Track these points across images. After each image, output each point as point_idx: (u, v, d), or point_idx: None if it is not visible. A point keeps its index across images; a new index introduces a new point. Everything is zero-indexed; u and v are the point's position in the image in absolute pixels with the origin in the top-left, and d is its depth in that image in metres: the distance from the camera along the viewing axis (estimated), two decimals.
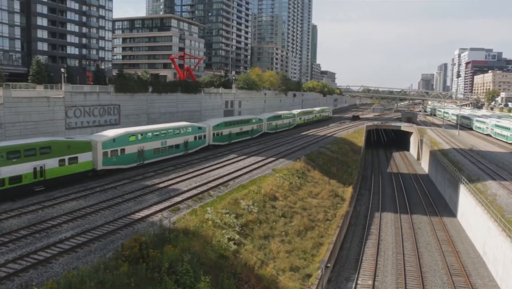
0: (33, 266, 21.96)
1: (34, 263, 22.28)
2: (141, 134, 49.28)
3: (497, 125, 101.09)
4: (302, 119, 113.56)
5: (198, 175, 45.68)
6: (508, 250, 34.56)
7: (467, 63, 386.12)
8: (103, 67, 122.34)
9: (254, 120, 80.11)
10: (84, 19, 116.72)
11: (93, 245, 25.28)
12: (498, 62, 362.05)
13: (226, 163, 53.72)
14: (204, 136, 61.34)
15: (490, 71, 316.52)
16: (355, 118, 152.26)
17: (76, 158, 39.86)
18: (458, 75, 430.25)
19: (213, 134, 64.45)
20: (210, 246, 27.20)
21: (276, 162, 56.56)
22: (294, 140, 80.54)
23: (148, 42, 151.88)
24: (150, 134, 50.54)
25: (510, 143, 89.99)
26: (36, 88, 60.30)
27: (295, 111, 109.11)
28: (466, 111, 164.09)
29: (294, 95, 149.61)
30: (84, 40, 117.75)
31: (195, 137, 58.77)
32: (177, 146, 54.83)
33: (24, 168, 34.83)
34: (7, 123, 48.14)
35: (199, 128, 60.45)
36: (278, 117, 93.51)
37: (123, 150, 45.82)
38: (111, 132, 46.89)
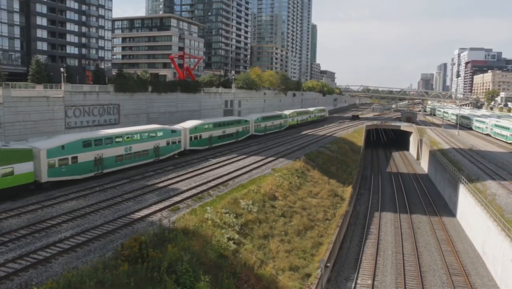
0: (32, 266, 21.95)
1: (34, 262, 22.27)
2: (99, 140, 43.22)
3: (496, 125, 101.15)
4: (295, 120, 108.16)
5: (198, 175, 45.68)
6: (507, 249, 34.59)
7: (466, 63, 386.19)
8: (102, 66, 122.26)
9: (239, 122, 74.57)
10: (83, 18, 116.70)
11: (93, 244, 25.28)
12: (497, 62, 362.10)
13: (226, 162, 53.71)
14: (179, 140, 55.52)
15: (489, 71, 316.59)
16: (355, 118, 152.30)
17: (11, 169, 34.04)
18: (458, 75, 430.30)
19: (190, 138, 58.80)
20: (210, 245, 27.20)
21: (276, 161, 56.57)
22: (294, 140, 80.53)
23: (147, 42, 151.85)
24: (110, 139, 44.57)
25: (509, 143, 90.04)
26: (36, 88, 60.29)
27: (287, 112, 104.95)
28: (466, 111, 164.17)
29: (294, 95, 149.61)
30: (83, 40, 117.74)
31: (167, 142, 52.91)
32: (145, 152, 49.20)
33: None
34: (7, 123, 48.13)
35: (173, 131, 54.69)
36: (267, 118, 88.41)
37: (75, 158, 39.90)
38: (61, 139, 40.88)
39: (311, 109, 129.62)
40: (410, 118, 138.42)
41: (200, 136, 61.40)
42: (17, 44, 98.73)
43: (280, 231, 35.22)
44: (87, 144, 41.66)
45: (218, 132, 66.27)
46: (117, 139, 45.53)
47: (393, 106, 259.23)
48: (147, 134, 50.01)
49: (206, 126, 63.21)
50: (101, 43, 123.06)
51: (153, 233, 26.80)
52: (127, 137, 47.02)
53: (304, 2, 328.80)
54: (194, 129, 60.17)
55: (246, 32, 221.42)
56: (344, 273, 37.03)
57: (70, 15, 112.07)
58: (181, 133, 56.30)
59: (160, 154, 51.83)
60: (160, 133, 52.20)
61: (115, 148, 44.94)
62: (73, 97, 57.23)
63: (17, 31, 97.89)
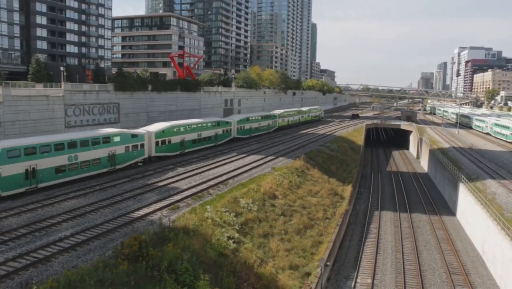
0: (33, 265, 21.97)
1: (34, 261, 22.29)
2: (31, 148, 35.85)
3: (496, 124, 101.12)
4: (285, 121, 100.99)
5: (198, 174, 45.67)
6: (507, 248, 34.62)
7: (466, 62, 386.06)
8: (102, 65, 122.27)
9: (218, 124, 66.83)
10: (83, 17, 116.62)
11: (93, 243, 25.30)
12: (497, 61, 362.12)
13: (226, 161, 53.71)
14: (142, 145, 48.56)
15: (489, 70, 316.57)
16: (355, 117, 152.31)
17: None
18: (458, 74, 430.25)
19: (157, 143, 51.76)
20: (210, 244, 27.22)
21: (276, 160, 56.58)
22: (294, 139, 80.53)
23: (147, 41, 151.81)
24: (48, 147, 37.29)
25: (509, 142, 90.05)
26: (36, 87, 60.31)
27: (277, 112, 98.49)
28: (466, 110, 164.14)
29: (294, 94, 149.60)
30: (83, 39, 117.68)
31: (126, 149, 46.00)
32: (96, 161, 42.08)
33: None
34: (7, 122, 48.14)
35: (134, 136, 47.51)
36: (253, 119, 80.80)
37: None
38: None
39: (304, 109, 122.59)
40: (410, 117, 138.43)
41: (169, 141, 53.83)
42: (17, 43, 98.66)
43: (280, 230, 35.25)
44: (14, 154, 34.34)
45: (192, 136, 58.83)
46: (58, 147, 38.10)
47: (395, 104, 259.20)
48: (97, 140, 42.63)
49: (177, 129, 55.81)
50: (101, 42, 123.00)
51: (153, 231, 26.82)
52: (71, 144, 39.59)
53: (304, 1, 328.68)
54: (161, 133, 52.67)
55: (246, 31, 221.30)
56: (344, 272, 37.07)
57: (70, 14, 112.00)
58: (145, 138, 48.95)
59: (117, 162, 44.62)
60: (116, 139, 44.76)
61: (55, 158, 37.60)
62: (73, 96, 57.23)
63: (17, 30, 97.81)
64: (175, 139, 55.12)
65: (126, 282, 20.63)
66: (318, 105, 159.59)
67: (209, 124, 64.06)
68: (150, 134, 50.87)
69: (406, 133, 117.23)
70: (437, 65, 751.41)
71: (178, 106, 79.33)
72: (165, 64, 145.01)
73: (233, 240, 29.24)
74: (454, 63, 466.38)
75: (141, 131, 49.86)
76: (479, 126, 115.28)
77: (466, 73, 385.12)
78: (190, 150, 58.52)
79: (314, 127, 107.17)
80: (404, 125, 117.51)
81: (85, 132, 46.34)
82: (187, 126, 58.45)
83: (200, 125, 61.48)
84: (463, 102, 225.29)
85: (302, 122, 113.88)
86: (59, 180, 38.14)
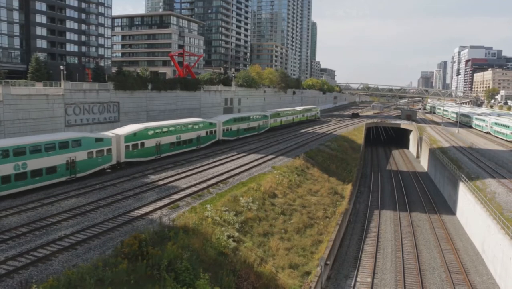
0: (33, 263, 21.99)
1: (34, 260, 22.30)
2: None
3: (496, 123, 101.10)
4: (277, 121, 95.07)
5: (197, 173, 45.68)
6: (507, 247, 34.64)
7: (466, 61, 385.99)
8: (102, 64, 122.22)
9: (201, 125, 61.80)
10: (83, 16, 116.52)
11: (93, 242, 25.32)
12: (498, 60, 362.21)
13: (226, 160, 53.71)
14: (109, 150, 43.85)
15: (489, 69, 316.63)
16: (355, 116, 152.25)
17: None
18: (458, 73, 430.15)
19: (127, 147, 46.99)
20: (210, 243, 27.23)
21: (276, 159, 56.59)
22: (293, 138, 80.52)
23: (147, 40, 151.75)
24: None
25: (509, 141, 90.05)
26: (36, 86, 60.23)
27: (269, 112, 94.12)
28: (466, 109, 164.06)
29: (294, 92, 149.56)
30: (83, 38, 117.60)
31: (89, 154, 41.25)
32: (51, 170, 37.29)
33: None
34: (7, 121, 48.11)
35: (98, 140, 42.62)
36: (241, 119, 75.92)
37: None
38: None
39: (299, 108, 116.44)
40: (410, 116, 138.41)
41: (142, 145, 49.16)
42: (17, 42, 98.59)
43: (280, 228, 35.27)
44: None
45: (169, 138, 54.09)
46: (4, 153, 33.65)
47: (399, 102, 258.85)
48: (54, 145, 37.94)
49: (151, 131, 51.00)
50: (100, 41, 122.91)
51: (153, 230, 26.84)
52: (18, 151, 34.74)
53: (304, 0, 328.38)
54: (132, 136, 47.89)
55: (246, 30, 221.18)
56: (343, 271, 37.09)
57: (69, 12, 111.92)
58: (112, 142, 44.24)
59: (78, 170, 40.00)
60: (76, 143, 39.98)
61: (3, 165, 33.34)
62: (72, 95, 57.19)
63: (16, 29, 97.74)
64: (150, 142, 50.25)
65: (126, 281, 20.65)
66: (318, 104, 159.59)
67: (190, 125, 59.06)
68: (118, 138, 45.91)
69: (406, 132, 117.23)
70: (437, 64, 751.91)
71: (178, 105, 79.30)
72: (165, 63, 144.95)
73: (233, 239, 29.26)
74: (454, 62, 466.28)
75: (107, 135, 45.15)
76: (479, 126, 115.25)
77: (466, 72, 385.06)
78: (168, 154, 53.72)
79: (310, 127, 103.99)
80: (404, 124, 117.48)
81: (37, 136, 40.69)
82: (164, 128, 53.43)
83: (179, 127, 56.54)
84: (463, 101, 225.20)
85: (296, 122, 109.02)
86: (5, 192, 33.46)
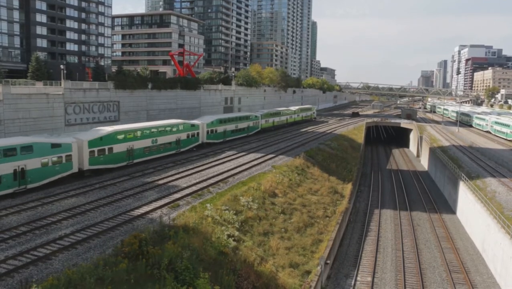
0: (33, 263, 21.98)
1: (34, 259, 22.30)
2: None
3: (496, 122, 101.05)
4: (269, 122, 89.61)
5: (198, 172, 45.68)
6: (507, 247, 34.63)
7: (467, 60, 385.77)
8: (102, 63, 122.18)
9: (182, 127, 56.79)
10: (83, 15, 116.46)
11: (93, 241, 25.32)
12: (498, 59, 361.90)
13: (226, 159, 53.70)
14: (69, 157, 39.07)
15: (490, 68, 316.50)
16: (355, 115, 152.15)
17: None
18: (458, 72, 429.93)
19: (92, 153, 41.94)
20: (210, 242, 27.23)
21: (276, 158, 56.57)
22: (294, 137, 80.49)
23: (147, 39, 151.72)
24: None
25: (509, 140, 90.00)
26: (36, 85, 60.24)
27: (261, 112, 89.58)
28: (466, 108, 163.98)
29: (294, 92, 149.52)
30: (83, 37, 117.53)
31: (44, 162, 36.75)
32: None
33: None
34: (7, 120, 48.13)
35: (56, 146, 37.95)
36: (228, 120, 70.60)
37: None
38: None
39: (293, 108, 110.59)
40: (410, 115, 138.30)
41: (110, 150, 44.34)
42: (17, 41, 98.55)
43: (280, 228, 35.27)
44: None
45: (143, 142, 49.34)
46: None
47: (398, 102, 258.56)
48: None
49: (122, 135, 46.24)
50: (100, 40, 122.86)
51: (153, 230, 26.83)
52: None
53: None
54: (98, 140, 43.07)
55: (246, 29, 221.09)
56: (344, 270, 37.09)
57: (69, 12, 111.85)
58: (72, 147, 39.54)
59: (29, 180, 35.56)
60: (27, 150, 35.43)
61: None
62: (73, 94, 57.19)
63: (16, 28, 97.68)
64: (119, 147, 45.46)
65: (126, 280, 20.65)
66: (318, 104, 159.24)
67: (168, 128, 54.16)
68: (81, 143, 41.01)
69: (406, 131, 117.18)
70: (437, 63, 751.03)
71: (178, 105, 79.31)
72: (165, 62, 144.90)
73: (233, 238, 29.26)
74: (454, 61, 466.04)
75: (67, 140, 40.32)
76: (479, 125, 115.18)
77: (466, 71, 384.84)
78: (142, 160, 49.19)
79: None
80: (404, 123, 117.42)
81: None
82: (137, 132, 48.71)
83: (155, 129, 51.70)
84: (463, 100, 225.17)
85: (290, 123, 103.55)
86: None
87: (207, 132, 63.46)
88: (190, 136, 58.53)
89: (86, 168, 41.66)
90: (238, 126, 74.06)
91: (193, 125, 59.81)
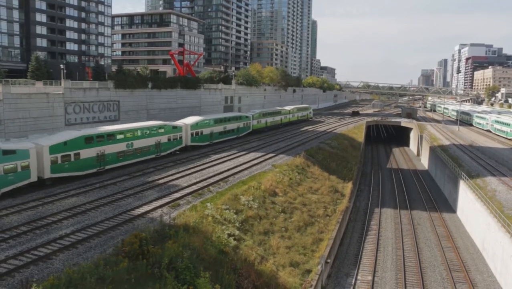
0: (33, 262, 22.00)
1: (35, 259, 22.32)
2: None
3: (497, 121, 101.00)
4: (262, 122, 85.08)
5: (198, 171, 45.69)
6: (507, 245, 34.65)
7: (467, 59, 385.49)
8: (102, 63, 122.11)
9: (161, 130, 52.69)
10: (83, 15, 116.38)
11: (93, 241, 25.34)
12: (498, 58, 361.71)
13: (226, 158, 53.71)
14: (25, 165, 35.27)
15: (490, 67, 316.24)
16: (355, 114, 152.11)
17: None
18: (458, 71, 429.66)
19: (54, 160, 38.10)
20: (210, 241, 27.24)
21: (276, 157, 56.58)
22: (294, 136, 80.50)
23: (147, 38, 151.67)
24: None
25: (510, 139, 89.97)
26: (36, 85, 60.25)
27: (252, 112, 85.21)
28: (466, 107, 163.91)
29: (294, 91, 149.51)
30: (83, 36, 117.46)
31: None
32: None
33: None
34: (7, 120, 48.15)
35: (8, 153, 34.12)
36: (216, 122, 66.04)
37: None
38: None
39: (288, 108, 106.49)
40: (410, 114, 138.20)
41: (77, 156, 40.36)
42: (17, 40, 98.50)
43: (280, 227, 35.28)
44: None
45: (117, 147, 45.31)
46: None
47: (400, 100, 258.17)
48: None
49: (89, 139, 42.20)
50: (100, 39, 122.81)
51: (154, 229, 26.84)
52: None
53: None
54: (62, 146, 39.25)
55: (246, 28, 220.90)
56: (344, 269, 37.11)
57: (69, 11, 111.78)
58: (30, 154, 35.83)
59: None
60: None
61: None
62: (73, 94, 57.20)
63: (16, 27, 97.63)
64: (88, 152, 41.54)
65: (127, 279, 20.67)
66: (318, 103, 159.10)
67: (147, 130, 50.18)
68: (40, 149, 37.34)
69: (407, 130, 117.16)
70: (438, 62, 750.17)
71: (179, 104, 79.32)
72: (165, 62, 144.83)
73: (233, 237, 29.27)
74: (454, 60, 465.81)
75: (23, 146, 36.15)
76: (479, 124, 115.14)
77: (466, 70, 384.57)
78: (115, 166, 44.99)
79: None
80: (405, 122, 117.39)
81: None
82: (109, 135, 44.59)
83: (131, 132, 47.80)
84: (463, 99, 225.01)
85: (285, 123, 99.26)
86: None
87: (192, 134, 59.41)
88: (172, 140, 54.52)
89: (48, 176, 37.82)
90: (227, 128, 69.66)
91: (175, 127, 55.69)
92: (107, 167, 43.79)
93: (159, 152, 52.08)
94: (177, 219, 29.64)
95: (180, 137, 56.42)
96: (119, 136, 45.90)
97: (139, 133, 48.89)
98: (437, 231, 48.05)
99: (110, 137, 44.58)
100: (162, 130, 52.94)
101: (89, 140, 42.19)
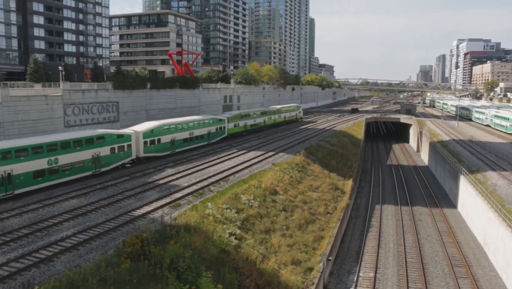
0: (35, 265, 22.00)
1: (36, 261, 22.32)
2: None
3: (496, 116, 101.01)
4: (240, 126, 75.94)
5: (198, 171, 45.68)
6: (509, 240, 34.66)
7: (465, 54, 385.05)
8: (100, 64, 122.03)
9: (101, 141, 42.81)
10: (80, 16, 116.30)
11: (95, 242, 25.33)
12: (496, 52, 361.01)
13: (226, 158, 53.69)
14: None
15: (488, 61, 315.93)
16: (354, 111, 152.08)
17: None
18: (457, 66, 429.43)
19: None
20: (211, 241, 27.23)
21: (276, 156, 56.57)
22: (294, 134, 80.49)
23: (145, 39, 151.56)
24: None
25: (509, 134, 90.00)
26: (34, 87, 60.18)
27: (228, 114, 75.69)
28: (465, 102, 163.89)
29: (293, 89, 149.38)
30: (81, 38, 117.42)
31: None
32: None
33: None
34: (6, 123, 48.08)
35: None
36: (180, 127, 56.81)
37: None
38: None
39: (274, 108, 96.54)
40: (409, 110, 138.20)
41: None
42: (15, 43, 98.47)
43: (281, 225, 35.28)
44: None
45: (35, 164, 35.81)
46: None
47: (401, 96, 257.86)
48: None
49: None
50: (98, 40, 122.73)
51: (155, 229, 26.81)
52: None
53: None
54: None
55: (244, 27, 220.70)
56: (346, 266, 37.12)
57: (67, 13, 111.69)
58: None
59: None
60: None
61: None
62: (72, 96, 57.12)
63: (14, 30, 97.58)
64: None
65: (129, 280, 20.65)
66: (317, 100, 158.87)
67: (79, 141, 40.44)
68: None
69: (406, 126, 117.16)
70: (436, 58, 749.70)
71: (177, 104, 79.24)
72: (163, 62, 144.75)
73: (234, 237, 29.25)
74: (453, 55, 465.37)
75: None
76: (479, 118, 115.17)
77: (465, 66, 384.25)
78: (29, 189, 35.38)
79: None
80: (404, 118, 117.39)
81: None
82: (21, 149, 35.19)
83: (54, 145, 38.00)
84: (462, 94, 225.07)
85: (269, 125, 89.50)
86: None
87: (145, 143, 49.57)
88: (116, 151, 44.57)
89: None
90: (194, 134, 59.83)
91: (120, 135, 45.58)
92: (17, 192, 34.49)
93: (98, 167, 42.36)
94: (178, 219, 29.63)
95: (129, 147, 46.49)
96: (37, 152, 36.22)
97: (72, 145, 39.57)
98: (438, 226, 48.06)
99: (22, 151, 35.08)
100: (104, 141, 43.19)
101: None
